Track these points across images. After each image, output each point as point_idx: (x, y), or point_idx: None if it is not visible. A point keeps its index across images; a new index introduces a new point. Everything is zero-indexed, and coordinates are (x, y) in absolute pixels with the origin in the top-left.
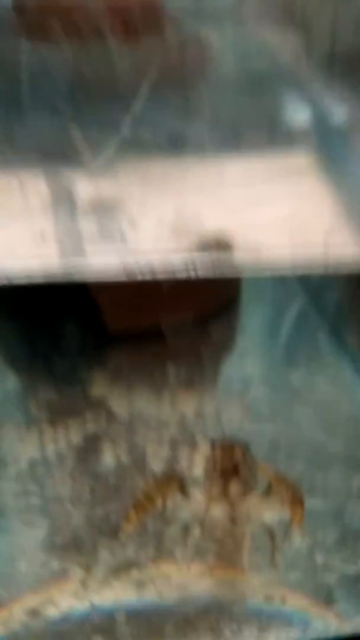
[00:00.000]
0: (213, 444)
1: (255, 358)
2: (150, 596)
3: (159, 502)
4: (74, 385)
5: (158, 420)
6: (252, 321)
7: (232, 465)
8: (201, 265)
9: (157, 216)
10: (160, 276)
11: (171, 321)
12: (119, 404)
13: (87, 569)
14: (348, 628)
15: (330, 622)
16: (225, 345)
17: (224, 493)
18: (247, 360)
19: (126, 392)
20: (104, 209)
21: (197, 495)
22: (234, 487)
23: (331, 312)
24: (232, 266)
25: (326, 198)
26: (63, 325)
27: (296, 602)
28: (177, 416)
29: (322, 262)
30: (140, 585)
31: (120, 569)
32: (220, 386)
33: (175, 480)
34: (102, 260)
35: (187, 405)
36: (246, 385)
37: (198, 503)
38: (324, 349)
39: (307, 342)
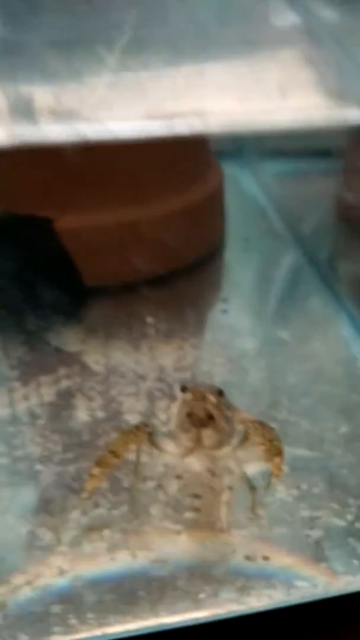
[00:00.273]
0: (184, 389)
1: (240, 309)
2: (123, 559)
3: (124, 456)
4: (48, 341)
5: (135, 373)
6: (239, 272)
7: (205, 413)
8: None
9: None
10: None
11: (150, 274)
12: (94, 359)
13: (57, 531)
14: (336, 587)
15: (317, 581)
16: (208, 296)
17: (199, 442)
18: (231, 311)
19: (102, 346)
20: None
21: (171, 447)
22: (209, 436)
23: (321, 259)
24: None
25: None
26: (37, 281)
27: (280, 561)
28: (155, 369)
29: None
30: (112, 547)
31: (93, 530)
32: (202, 337)
33: (142, 432)
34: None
35: (167, 357)
36: (231, 337)
37: (173, 455)
38: (313, 298)
39: (295, 292)
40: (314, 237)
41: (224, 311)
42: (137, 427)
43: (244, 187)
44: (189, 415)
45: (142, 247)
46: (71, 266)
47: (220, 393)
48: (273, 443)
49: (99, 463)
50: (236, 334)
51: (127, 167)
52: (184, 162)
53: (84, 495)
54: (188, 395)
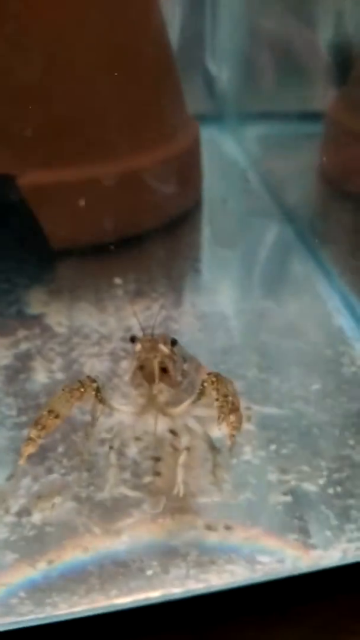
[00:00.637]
0: (133, 340)
1: (214, 269)
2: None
3: (66, 416)
4: (9, 304)
5: (100, 334)
6: (214, 233)
7: (157, 365)
8: None
9: None
10: None
11: (120, 234)
12: (57, 320)
13: (4, 499)
14: (306, 563)
15: (285, 556)
16: (180, 256)
17: (152, 398)
18: (204, 271)
19: (67, 308)
20: None
21: (124, 405)
22: (162, 390)
23: (301, 220)
24: None
25: None
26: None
27: (244, 532)
28: (121, 330)
29: None
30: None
31: (43, 498)
32: (171, 297)
33: (87, 388)
34: None
35: (134, 318)
36: (202, 297)
37: (128, 415)
38: (290, 258)
39: (272, 253)
40: (295, 199)
41: (196, 271)
42: (81, 383)
43: (224, 150)
44: (140, 368)
45: (111, 206)
46: (36, 226)
47: (173, 343)
48: (227, 399)
49: (37, 424)
50: (208, 294)
51: (95, 119)
52: (156, 117)
53: (21, 461)
54: (138, 347)
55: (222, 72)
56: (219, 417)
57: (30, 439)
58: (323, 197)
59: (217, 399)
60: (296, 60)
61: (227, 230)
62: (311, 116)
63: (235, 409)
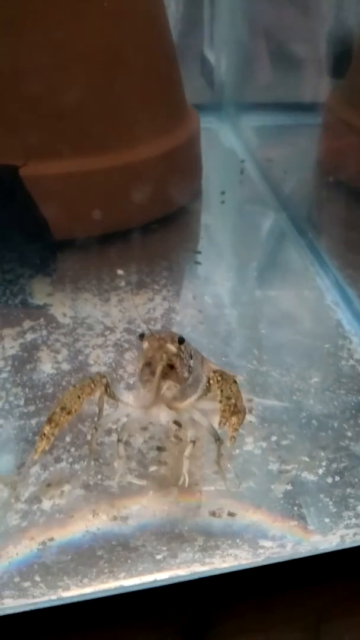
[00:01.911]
0: (142, 337)
1: (214, 261)
2: (83, 517)
3: (77, 411)
4: (14, 295)
5: (104, 325)
6: (214, 224)
7: (164, 362)
8: None
9: None
10: None
11: (122, 226)
12: (62, 311)
13: (15, 487)
14: (306, 547)
15: (286, 541)
16: (181, 248)
17: (158, 393)
18: (205, 263)
19: (70, 299)
20: None
21: (131, 400)
22: (168, 387)
23: (299, 212)
24: None
25: None
26: (3, 233)
27: (247, 519)
28: (125, 321)
29: None
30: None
31: (52, 486)
32: (173, 289)
33: (97, 384)
34: None
35: (137, 309)
36: (203, 288)
37: (134, 407)
38: (289, 251)
39: (271, 244)
40: (293, 189)
41: (197, 263)
42: (92, 379)
43: (223, 141)
44: (148, 365)
45: (113, 198)
46: (39, 217)
47: (181, 341)
48: (229, 402)
49: (50, 421)
50: (209, 286)
51: (97, 110)
52: (157, 109)
53: (36, 456)
54: (146, 344)
55: (221, 62)
56: (220, 422)
57: (43, 434)
58: (320, 187)
59: (220, 401)
60: (294, 51)
61: (226, 222)
62: (309, 107)
63: (236, 412)
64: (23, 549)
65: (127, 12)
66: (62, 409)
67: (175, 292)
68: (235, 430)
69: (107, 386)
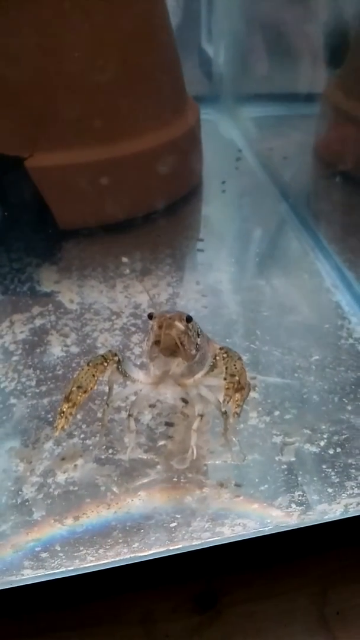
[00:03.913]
0: (151, 316)
1: (217, 248)
2: (94, 491)
3: (93, 389)
4: (22, 282)
5: (110, 310)
6: (215, 213)
7: (172, 340)
8: None
9: None
10: None
11: (125, 215)
12: (69, 297)
13: (30, 461)
14: (311, 516)
15: (292, 510)
16: (184, 236)
17: (167, 370)
18: (208, 250)
19: (77, 286)
20: None
21: (141, 377)
22: (177, 364)
23: (298, 199)
24: None
25: None
26: (9, 222)
27: (253, 490)
28: (130, 306)
29: None
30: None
31: (66, 460)
32: (177, 275)
33: (110, 361)
34: None
35: (142, 295)
36: (206, 274)
37: (144, 385)
38: (289, 237)
39: (271, 231)
40: (292, 178)
41: (200, 250)
42: (104, 357)
43: (222, 131)
44: (156, 343)
45: (116, 188)
46: (44, 207)
47: (188, 319)
48: (234, 379)
49: (68, 400)
50: (212, 272)
51: (100, 103)
52: (158, 101)
53: (56, 433)
54: (155, 323)
55: (219, 53)
56: (224, 400)
57: (62, 412)
58: (318, 176)
59: (225, 378)
60: (291, 42)
61: (227, 210)
62: (307, 97)
63: (240, 388)
64: (39, 521)
65: (128, 4)
66: (79, 387)
67: (179, 278)
68: (239, 406)
69: (119, 363)
